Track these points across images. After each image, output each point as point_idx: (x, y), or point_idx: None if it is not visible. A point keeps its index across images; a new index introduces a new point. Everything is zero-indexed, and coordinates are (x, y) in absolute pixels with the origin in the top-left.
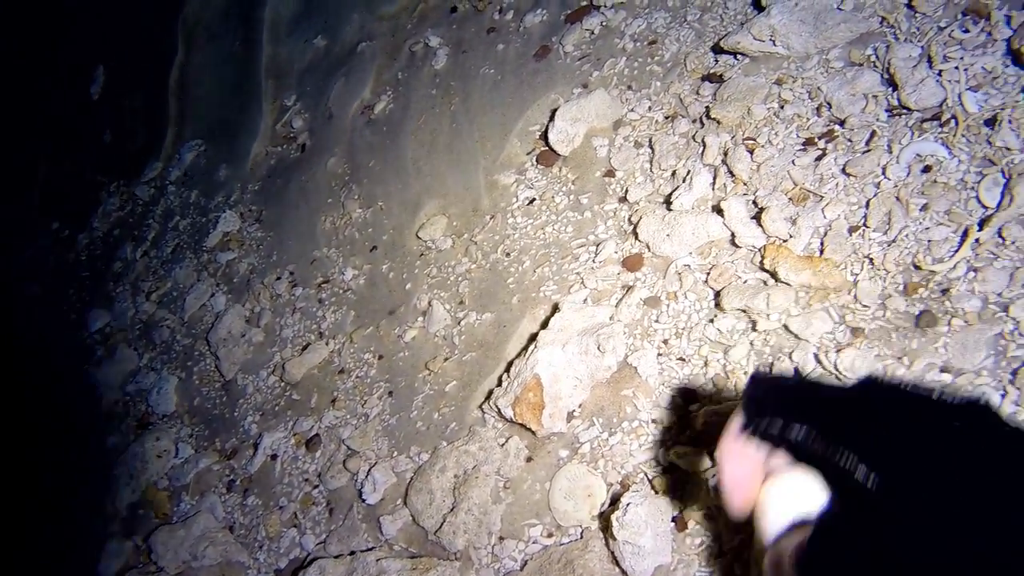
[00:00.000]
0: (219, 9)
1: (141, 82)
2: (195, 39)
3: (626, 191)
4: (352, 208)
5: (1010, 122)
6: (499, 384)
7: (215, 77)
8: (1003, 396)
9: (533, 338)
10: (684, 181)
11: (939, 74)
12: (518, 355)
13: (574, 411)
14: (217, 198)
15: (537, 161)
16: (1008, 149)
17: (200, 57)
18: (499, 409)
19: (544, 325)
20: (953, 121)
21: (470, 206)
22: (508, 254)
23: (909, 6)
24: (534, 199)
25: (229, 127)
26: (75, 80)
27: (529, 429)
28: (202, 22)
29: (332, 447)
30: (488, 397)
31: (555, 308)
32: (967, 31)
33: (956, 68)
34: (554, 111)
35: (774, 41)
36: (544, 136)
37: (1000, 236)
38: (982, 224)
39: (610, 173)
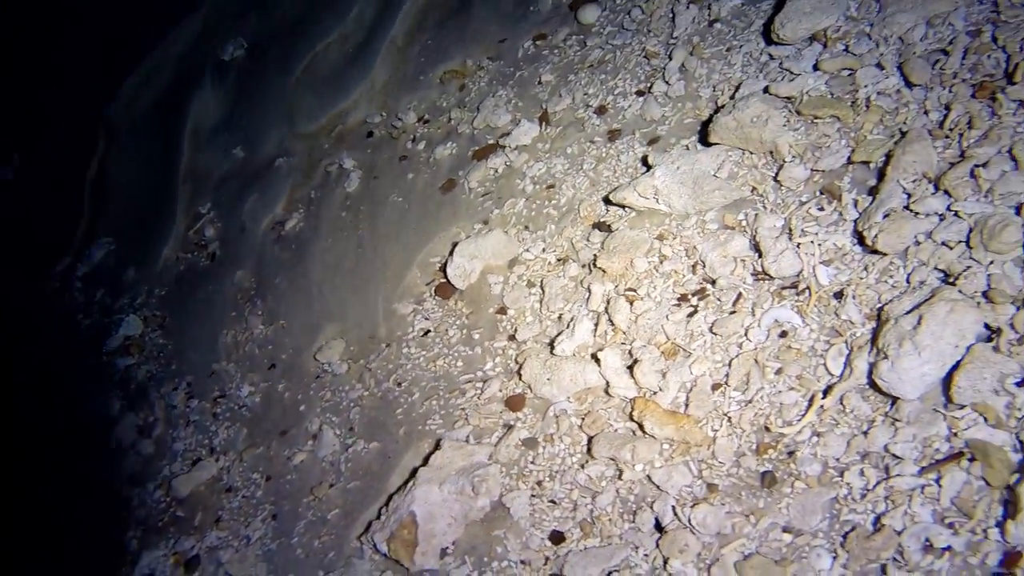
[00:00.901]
0: (145, 108)
1: (58, 172)
2: (117, 136)
3: (515, 330)
4: (255, 324)
5: (854, 297)
6: (378, 516)
7: (133, 176)
8: (833, 558)
9: (414, 473)
10: (568, 327)
11: (797, 246)
12: (399, 489)
13: (447, 548)
14: (123, 300)
15: (435, 293)
16: (852, 322)
17: (120, 154)
18: (375, 543)
19: (425, 461)
20: (807, 292)
21: (368, 332)
22: (399, 384)
23: (775, 179)
24: (429, 331)
25: (142, 228)
26: None
27: (403, 565)
28: (126, 119)
29: (211, 569)
30: (367, 529)
31: (438, 443)
32: (822, 209)
33: (812, 242)
34: (455, 245)
35: (657, 199)
36: (443, 269)
37: (841, 404)
38: (827, 392)
39: (502, 310)
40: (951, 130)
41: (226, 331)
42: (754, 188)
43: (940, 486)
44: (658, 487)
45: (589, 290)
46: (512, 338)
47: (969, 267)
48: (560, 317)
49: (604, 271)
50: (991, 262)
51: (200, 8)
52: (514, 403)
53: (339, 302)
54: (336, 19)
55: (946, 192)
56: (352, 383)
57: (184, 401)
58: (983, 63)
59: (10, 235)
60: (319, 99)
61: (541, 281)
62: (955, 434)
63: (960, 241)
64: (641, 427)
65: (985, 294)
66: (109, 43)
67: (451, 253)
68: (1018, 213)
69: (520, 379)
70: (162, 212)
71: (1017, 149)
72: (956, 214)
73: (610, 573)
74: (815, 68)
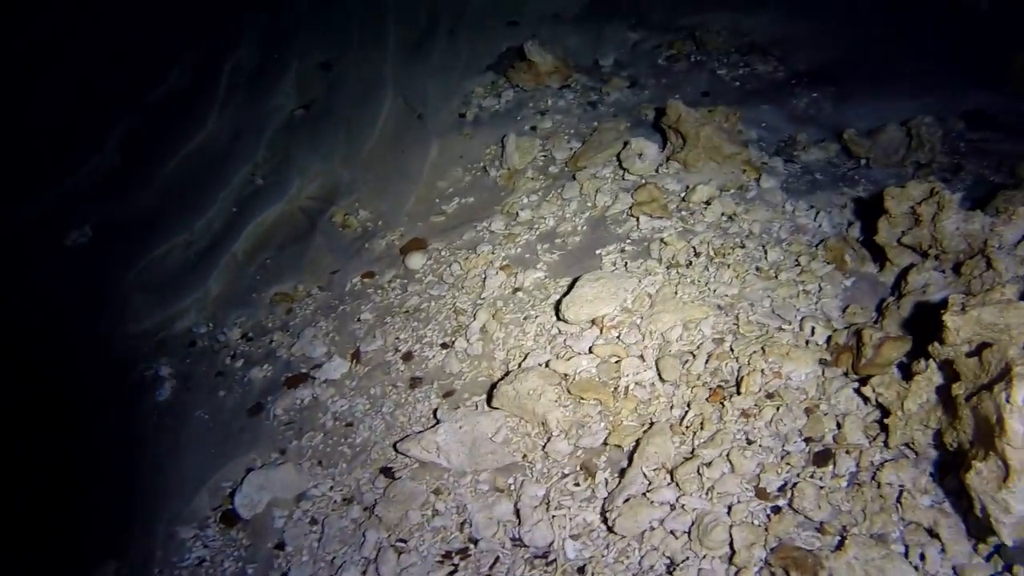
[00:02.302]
0: None
1: None
2: None
3: (289, 568)
4: None
5: (594, 575)
6: None
7: None
8: None
9: None
10: (337, 573)
11: (552, 518)
12: None
13: None
14: None
15: (220, 519)
16: None
17: None
18: None
19: None
20: (555, 564)
21: (142, 556)
22: None
23: (544, 450)
24: (204, 560)
25: None
26: None
27: None
28: None
29: None
30: None
31: None
32: (578, 484)
33: (565, 516)
34: (248, 472)
35: (438, 454)
36: (232, 495)
37: None
38: None
39: (280, 546)
40: (687, 428)
41: None
42: (525, 455)
43: None
44: None
45: (364, 536)
46: None
47: (687, 558)
48: (332, 560)
49: (380, 519)
50: (704, 556)
51: (57, 185)
52: None
53: (121, 521)
54: (185, 224)
55: (677, 485)
56: None
57: None
58: (721, 369)
59: None
60: (151, 301)
61: (324, 519)
62: None
63: (684, 532)
64: None
65: None
66: None
67: (242, 480)
68: (729, 514)
69: None
70: None
71: (734, 455)
72: (683, 507)
73: None
74: (590, 351)
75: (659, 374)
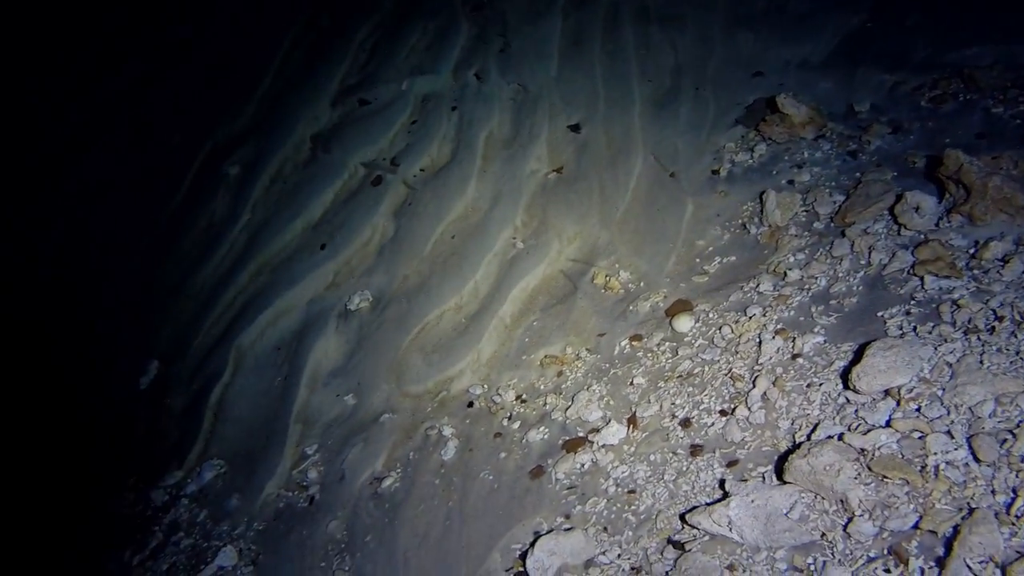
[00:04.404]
0: (271, 343)
1: (187, 390)
2: (243, 365)
3: None
4: None
5: None
6: None
7: (251, 406)
8: None
9: None
10: None
11: None
12: None
13: None
14: (223, 525)
15: None
16: None
17: (243, 383)
18: None
19: None
20: None
21: None
22: None
23: (845, 530)
24: None
25: (251, 459)
26: (130, 367)
27: None
28: (253, 350)
29: None
30: None
31: None
32: (889, 571)
33: None
34: (537, 536)
35: (730, 529)
36: (523, 557)
37: None
38: None
39: None
40: (1018, 518)
41: None
42: (824, 534)
43: None
44: None
45: None
46: None
47: None
48: None
49: None
50: None
51: (335, 257)
52: None
53: (421, 575)
54: (454, 289)
55: None
56: None
57: None
58: None
59: (132, 440)
60: (429, 363)
61: None
62: None
63: None
64: None
65: None
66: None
67: (532, 544)
68: None
69: None
70: (271, 447)
71: None
72: None
73: None
74: (888, 424)
75: (974, 454)
